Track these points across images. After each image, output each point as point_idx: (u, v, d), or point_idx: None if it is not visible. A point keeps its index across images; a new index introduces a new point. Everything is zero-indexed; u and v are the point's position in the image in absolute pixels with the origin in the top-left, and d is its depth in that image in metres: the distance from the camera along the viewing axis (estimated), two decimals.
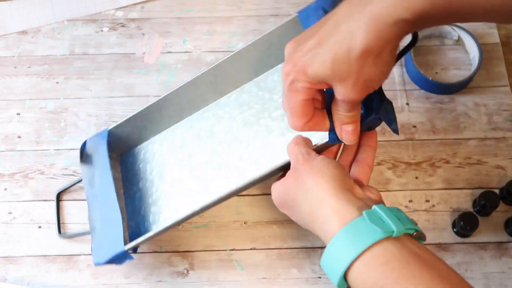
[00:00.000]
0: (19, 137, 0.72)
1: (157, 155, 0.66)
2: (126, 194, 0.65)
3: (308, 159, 0.46)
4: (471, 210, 0.65)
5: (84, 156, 0.66)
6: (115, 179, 0.63)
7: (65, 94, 0.74)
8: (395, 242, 0.38)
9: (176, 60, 0.76)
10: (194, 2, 0.80)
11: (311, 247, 0.64)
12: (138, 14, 0.79)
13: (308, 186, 0.43)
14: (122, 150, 0.68)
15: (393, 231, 0.38)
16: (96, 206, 0.62)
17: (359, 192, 0.44)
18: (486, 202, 0.62)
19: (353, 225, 0.39)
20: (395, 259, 0.37)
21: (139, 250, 0.63)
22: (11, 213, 0.67)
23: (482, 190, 0.64)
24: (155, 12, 0.80)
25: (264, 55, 0.61)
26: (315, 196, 0.42)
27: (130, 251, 0.57)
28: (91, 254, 0.61)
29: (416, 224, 0.41)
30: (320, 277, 0.63)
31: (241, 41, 0.77)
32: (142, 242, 0.56)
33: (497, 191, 0.66)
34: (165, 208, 0.62)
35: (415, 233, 0.40)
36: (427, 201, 0.66)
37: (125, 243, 0.57)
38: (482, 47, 0.72)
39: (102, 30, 0.79)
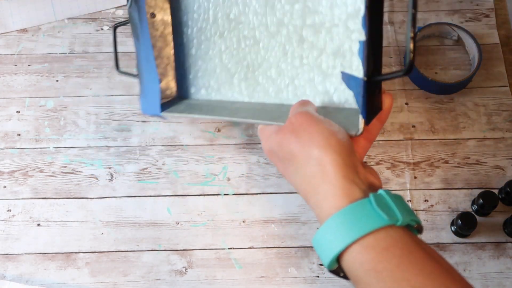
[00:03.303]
0: (19, 135, 0.72)
1: (203, 14, 0.61)
2: (175, 41, 0.64)
3: (314, 120, 0.42)
4: (470, 210, 0.65)
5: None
6: (164, 23, 0.63)
7: (64, 92, 0.74)
8: (398, 230, 0.37)
9: None
10: None
11: (309, 246, 0.64)
12: None
13: (313, 154, 0.40)
14: None
15: (398, 220, 0.37)
16: (141, 58, 0.62)
17: (362, 172, 0.41)
18: (484, 202, 0.62)
19: (359, 205, 0.37)
20: (397, 246, 0.36)
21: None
22: (10, 210, 0.67)
23: (481, 190, 0.64)
24: None
25: None
26: (318, 167, 0.40)
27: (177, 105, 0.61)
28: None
29: (416, 215, 0.40)
30: (318, 276, 0.63)
31: None
32: (175, 116, 0.60)
33: (496, 191, 0.66)
34: (200, 75, 0.62)
35: (416, 225, 0.39)
36: (426, 201, 0.66)
37: (172, 93, 0.62)
38: (481, 47, 0.72)
39: (102, 29, 0.79)
